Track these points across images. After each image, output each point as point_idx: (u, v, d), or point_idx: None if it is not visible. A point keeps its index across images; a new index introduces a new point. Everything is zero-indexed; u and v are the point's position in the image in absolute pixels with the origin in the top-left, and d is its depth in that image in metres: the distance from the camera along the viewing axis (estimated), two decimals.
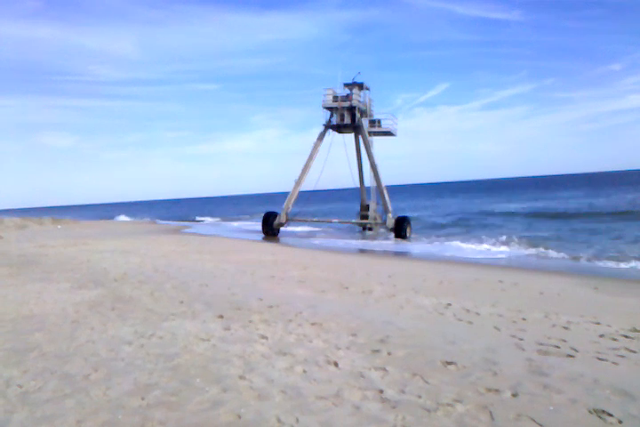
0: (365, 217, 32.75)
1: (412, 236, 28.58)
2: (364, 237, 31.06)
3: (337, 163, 33.72)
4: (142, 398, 4.65)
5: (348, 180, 34.25)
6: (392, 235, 28.64)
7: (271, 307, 8.59)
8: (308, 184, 31.75)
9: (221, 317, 7.86)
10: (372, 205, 32.25)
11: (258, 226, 34.19)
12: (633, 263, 16.17)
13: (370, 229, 33.32)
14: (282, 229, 32.65)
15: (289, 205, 31.80)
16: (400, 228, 28.27)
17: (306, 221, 34.08)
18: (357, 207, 34.92)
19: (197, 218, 63.09)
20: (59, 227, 43.12)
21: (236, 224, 48.83)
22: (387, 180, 30.51)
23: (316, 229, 37.05)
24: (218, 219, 60.07)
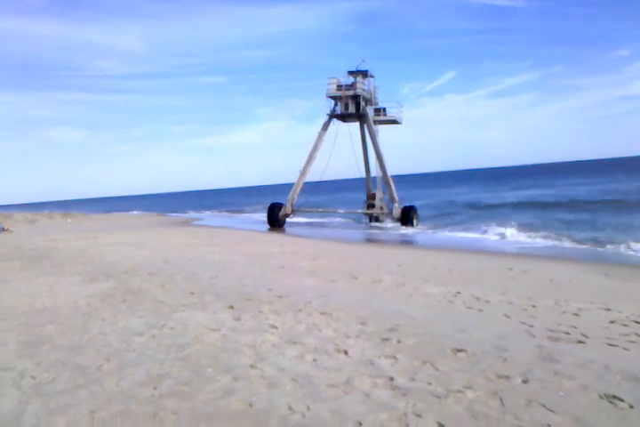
0: (372, 206, 32.26)
1: (420, 225, 28.40)
2: (371, 227, 30.92)
3: (342, 153, 33.46)
4: (154, 388, 4.69)
5: (354, 170, 33.92)
6: (399, 224, 28.43)
7: (281, 297, 8.62)
8: (314, 175, 31.53)
9: (232, 307, 7.90)
10: (379, 195, 31.87)
11: (263, 217, 33.95)
12: None
13: (376, 218, 33.12)
14: (287, 219, 32.45)
15: (294, 195, 31.59)
16: (407, 217, 28.01)
17: (311, 212, 33.83)
18: (363, 197, 34.44)
19: (190, 212, 62.16)
20: (69, 221, 43.41)
21: (240, 216, 48.91)
22: (394, 169, 30.36)
23: (323, 219, 36.92)
24: (208, 212, 59.66)
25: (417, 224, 28.25)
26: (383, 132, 32.39)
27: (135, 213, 67.19)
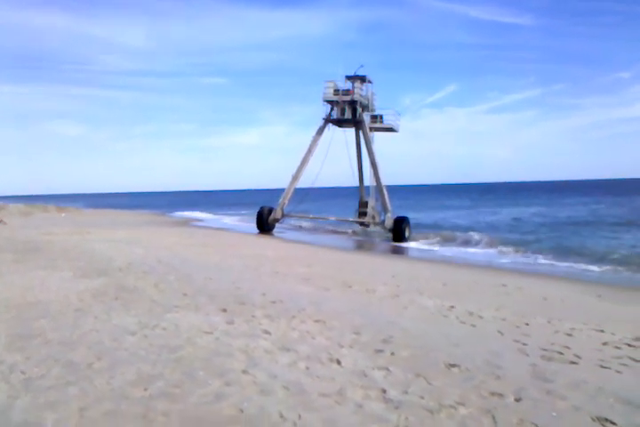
0: (364, 214, 31.49)
1: (413, 236, 27.59)
2: (362, 235, 30.64)
3: (337, 160, 32.94)
4: (145, 389, 4.65)
5: (348, 177, 33.50)
6: (390, 235, 27.47)
7: (275, 302, 8.58)
8: (307, 181, 30.84)
9: (225, 310, 7.86)
10: (371, 202, 31.21)
11: (253, 220, 32.87)
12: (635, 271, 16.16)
13: (367, 226, 32.51)
14: (277, 224, 31.78)
15: (285, 200, 30.97)
16: (399, 229, 26.96)
17: (302, 218, 33.17)
18: (356, 205, 33.63)
19: (185, 212, 61.81)
20: (63, 215, 43.25)
21: (235, 218, 48.72)
22: (391, 179, 29.81)
23: (313, 225, 36.53)
24: (203, 213, 59.14)
25: (409, 236, 27.46)
26: (381, 141, 32.04)
27: (130, 210, 66.90)
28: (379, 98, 32.25)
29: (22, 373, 5.02)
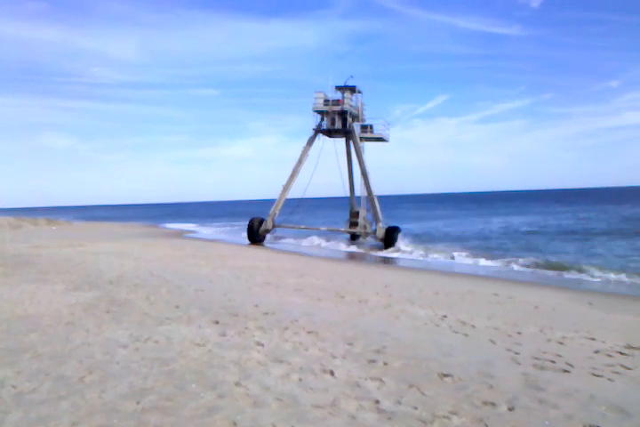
0: (355, 224, 31.72)
1: (403, 246, 27.53)
2: (354, 246, 30.63)
3: (328, 170, 33.12)
4: (137, 403, 4.62)
5: (339, 188, 33.60)
6: (382, 245, 27.51)
7: (267, 314, 8.57)
8: (298, 192, 31.05)
9: (217, 322, 7.84)
10: (362, 213, 31.29)
11: (243, 231, 32.83)
12: (627, 278, 16.27)
13: (359, 237, 32.64)
14: (268, 235, 31.81)
15: (276, 211, 31.04)
16: (390, 238, 27.11)
17: (293, 228, 32.99)
18: (347, 215, 33.89)
19: (176, 224, 61.36)
20: (53, 228, 42.97)
21: (226, 229, 48.54)
22: (382, 189, 29.81)
23: (304, 236, 36.42)
24: (194, 225, 58.79)
25: (400, 245, 27.29)
26: (371, 151, 32.11)
27: (121, 222, 66.54)
28: (369, 109, 32.49)
29: (13, 387, 4.98)
